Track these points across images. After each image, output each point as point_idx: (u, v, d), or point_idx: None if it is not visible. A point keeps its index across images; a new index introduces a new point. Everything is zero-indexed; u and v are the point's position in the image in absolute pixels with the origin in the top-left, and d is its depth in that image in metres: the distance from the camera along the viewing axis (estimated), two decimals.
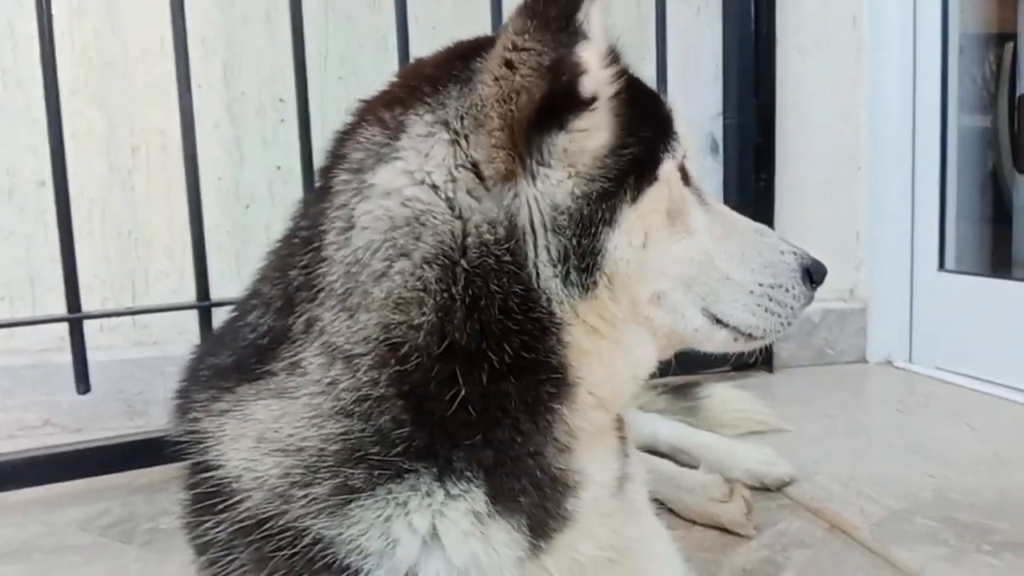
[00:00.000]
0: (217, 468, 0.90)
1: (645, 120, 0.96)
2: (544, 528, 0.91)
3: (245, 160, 2.46)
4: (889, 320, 2.88)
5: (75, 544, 1.64)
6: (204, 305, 1.97)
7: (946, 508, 1.62)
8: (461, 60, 0.94)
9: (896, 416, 2.30)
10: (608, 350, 0.93)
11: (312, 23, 2.12)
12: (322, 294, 0.90)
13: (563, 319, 0.89)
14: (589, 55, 0.89)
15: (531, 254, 0.88)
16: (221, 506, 0.88)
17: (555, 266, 0.89)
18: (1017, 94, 3.20)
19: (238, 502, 0.87)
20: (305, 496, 0.85)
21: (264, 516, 0.86)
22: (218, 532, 0.89)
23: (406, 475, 0.86)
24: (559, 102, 0.89)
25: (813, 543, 1.52)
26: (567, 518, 0.93)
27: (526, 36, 0.87)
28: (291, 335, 0.91)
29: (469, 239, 0.86)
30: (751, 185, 2.71)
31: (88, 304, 1.97)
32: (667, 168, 0.96)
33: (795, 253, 1.07)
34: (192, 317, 1.99)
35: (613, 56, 0.94)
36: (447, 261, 0.86)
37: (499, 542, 0.88)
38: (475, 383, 0.85)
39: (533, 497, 0.90)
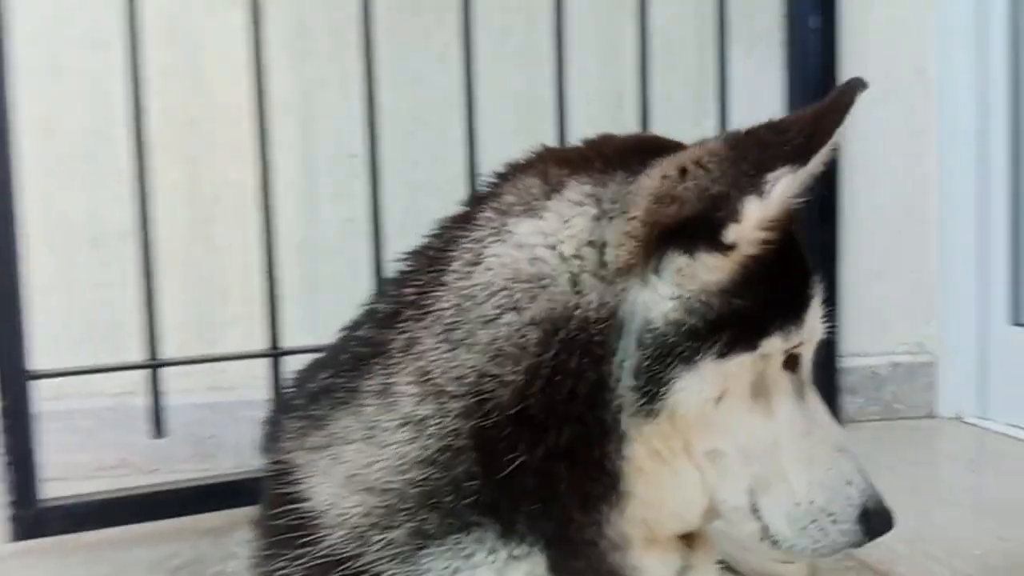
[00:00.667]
0: (304, 501, 0.93)
1: (775, 289, 0.93)
2: None
3: (317, 213, 2.55)
4: (960, 375, 2.81)
5: None
6: (275, 353, 2.04)
7: (1016, 572, 1.58)
8: (641, 153, 0.97)
9: (966, 474, 2.24)
10: (664, 478, 0.93)
11: (383, 81, 2.20)
12: (430, 317, 0.93)
13: (626, 431, 0.89)
14: (753, 210, 0.88)
15: (617, 354, 0.89)
16: (302, 540, 0.91)
17: (631, 378, 0.89)
18: None
19: (320, 538, 0.90)
20: (382, 539, 0.88)
21: (343, 556, 0.88)
22: (294, 568, 0.91)
23: (473, 528, 0.88)
24: (700, 230, 0.89)
25: None
26: None
27: (714, 159, 0.89)
28: (390, 350, 0.94)
29: (578, 311, 0.89)
30: (816, 237, 2.68)
31: (166, 347, 2.06)
32: (773, 344, 0.92)
33: (863, 490, 0.99)
34: (263, 364, 2.06)
35: (783, 221, 0.93)
36: (551, 327, 0.88)
37: None
38: (532, 455, 0.87)
39: None
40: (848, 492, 0.97)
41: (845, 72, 2.73)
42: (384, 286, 1.04)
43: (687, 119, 2.68)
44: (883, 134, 2.83)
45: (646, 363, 0.88)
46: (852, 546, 0.99)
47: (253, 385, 2.38)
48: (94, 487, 2.01)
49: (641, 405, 0.88)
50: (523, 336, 0.88)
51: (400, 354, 0.93)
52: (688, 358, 0.88)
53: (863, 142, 2.78)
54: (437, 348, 0.91)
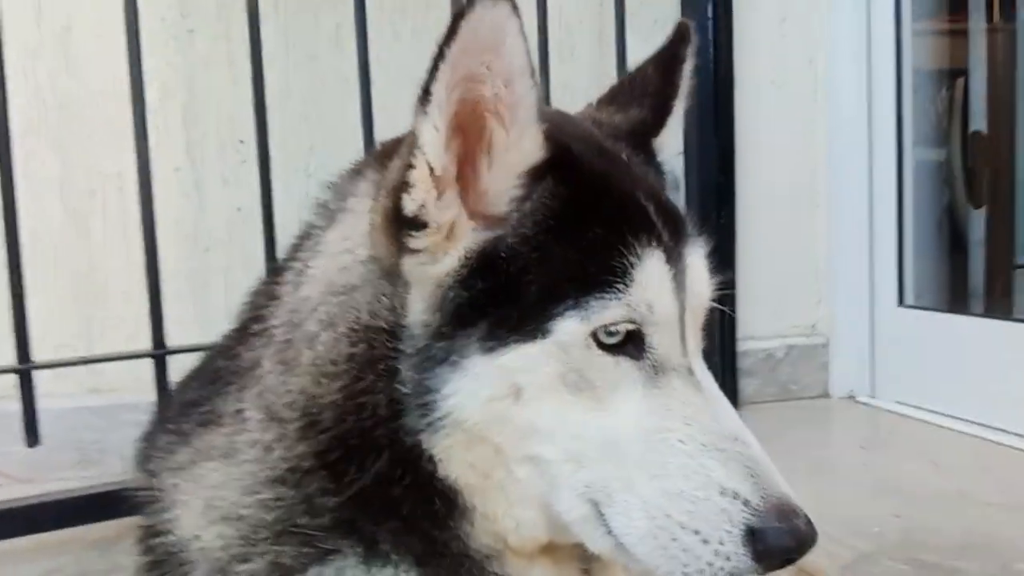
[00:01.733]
0: (168, 533, 0.89)
1: (549, 263, 0.81)
2: None
3: (205, 203, 2.43)
4: (850, 355, 2.90)
5: None
6: (159, 353, 1.92)
7: (912, 549, 1.63)
8: None
9: (860, 453, 2.31)
10: (492, 492, 0.84)
11: (273, 63, 2.11)
12: (267, 334, 0.90)
13: (429, 451, 0.82)
14: (416, 174, 0.80)
15: (401, 368, 0.82)
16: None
17: (410, 391, 0.81)
18: (969, 129, 3.28)
19: (186, 573, 0.87)
20: (243, 572, 0.84)
21: None
22: None
23: (331, 556, 0.84)
24: (399, 215, 0.82)
25: None
26: None
27: (410, 137, 0.82)
28: (239, 370, 0.91)
29: (372, 322, 0.83)
30: (712, 223, 2.73)
31: (41, 350, 1.92)
32: (567, 329, 0.80)
33: (747, 502, 0.80)
34: (148, 364, 1.94)
35: (539, 179, 0.83)
36: (353, 341, 0.83)
37: None
38: (365, 478, 0.82)
39: None
40: (721, 505, 0.79)
41: (740, 61, 2.77)
42: (252, 293, 1.00)
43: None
44: (775, 121, 2.89)
45: (410, 372, 0.81)
46: (743, 572, 0.80)
47: (137, 387, 2.25)
48: None
49: (424, 420, 0.80)
50: (336, 352, 0.83)
51: (247, 374, 0.90)
52: (444, 359, 0.80)
53: (755, 129, 2.83)
54: (272, 372, 0.87)
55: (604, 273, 0.81)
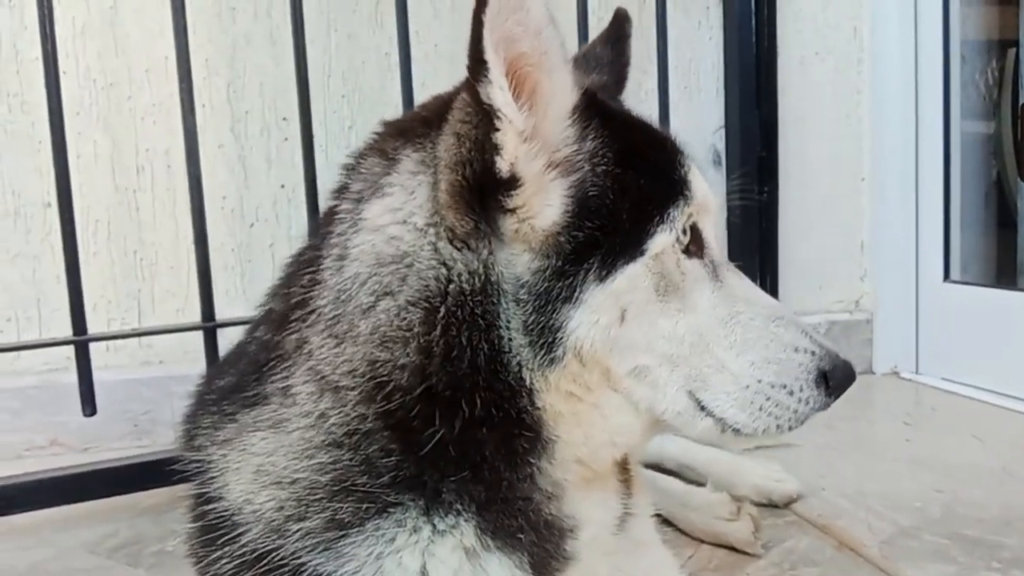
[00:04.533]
0: (219, 500, 0.92)
1: (633, 190, 0.91)
2: (547, 567, 0.93)
3: (249, 179, 2.47)
4: (895, 331, 2.87)
5: (82, 567, 1.64)
6: (209, 326, 1.97)
7: (954, 524, 1.62)
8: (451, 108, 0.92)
9: (903, 428, 2.29)
10: (586, 412, 0.92)
11: (314, 42, 2.13)
12: (313, 316, 0.93)
13: (533, 386, 0.88)
14: (503, 136, 0.86)
15: (501, 318, 0.87)
16: (223, 539, 0.90)
17: (523, 335, 0.88)
18: (1020, 101, 3.20)
19: (239, 535, 0.89)
20: (299, 530, 0.87)
21: (263, 550, 0.87)
22: (223, 565, 0.90)
23: (391, 509, 0.87)
24: (491, 179, 0.88)
25: (822, 561, 1.51)
26: (568, 558, 0.95)
27: (468, 109, 0.87)
28: (283, 353, 0.94)
29: (451, 286, 0.87)
30: (754, 197, 2.71)
31: (94, 323, 1.98)
32: (661, 241, 0.91)
33: (813, 352, 0.96)
34: (198, 336, 2.00)
35: (591, 126, 0.92)
36: (429, 305, 0.87)
37: None
38: (451, 428, 0.86)
39: (532, 536, 0.91)
40: (798, 360, 0.95)
41: (782, 33, 2.74)
42: (276, 286, 1.04)
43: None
44: (818, 94, 2.85)
45: (531, 317, 0.87)
46: (819, 410, 0.96)
47: (186, 359, 2.32)
48: (25, 468, 1.94)
49: (543, 357, 0.87)
50: (404, 319, 0.87)
51: (293, 355, 0.93)
52: (570, 296, 0.87)
53: (798, 102, 2.80)
54: (323, 346, 0.90)
55: (671, 187, 0.94)
